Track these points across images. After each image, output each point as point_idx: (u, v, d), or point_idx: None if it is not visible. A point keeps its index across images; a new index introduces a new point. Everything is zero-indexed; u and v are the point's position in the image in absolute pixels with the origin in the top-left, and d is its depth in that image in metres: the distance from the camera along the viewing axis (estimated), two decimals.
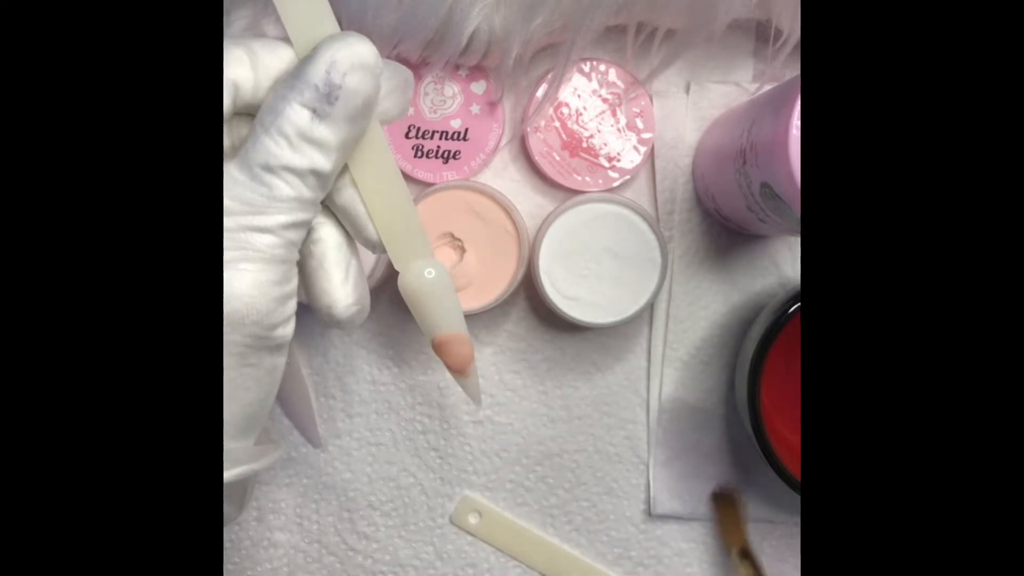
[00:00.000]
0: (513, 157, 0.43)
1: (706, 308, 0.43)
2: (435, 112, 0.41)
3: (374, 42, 0.25)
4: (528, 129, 0.41)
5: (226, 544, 0.44)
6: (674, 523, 0.44)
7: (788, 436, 0.40)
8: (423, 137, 0.41)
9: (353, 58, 0.25)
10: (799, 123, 0.29)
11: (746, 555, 0.41)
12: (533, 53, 0.40)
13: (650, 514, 0.44)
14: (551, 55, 0.41)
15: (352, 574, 0.44)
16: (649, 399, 0.44)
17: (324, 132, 0.25)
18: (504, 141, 0.42)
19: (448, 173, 0.41)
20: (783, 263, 0.43)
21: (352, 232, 0.28)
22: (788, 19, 0.38)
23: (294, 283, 0.26)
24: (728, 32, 0.39)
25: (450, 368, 0.30)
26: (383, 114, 0.27)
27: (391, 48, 0.38)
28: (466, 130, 0.41)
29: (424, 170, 0.41)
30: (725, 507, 0.43)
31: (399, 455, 0.44)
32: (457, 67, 0.41)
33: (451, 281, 0.30)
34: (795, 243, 0.43)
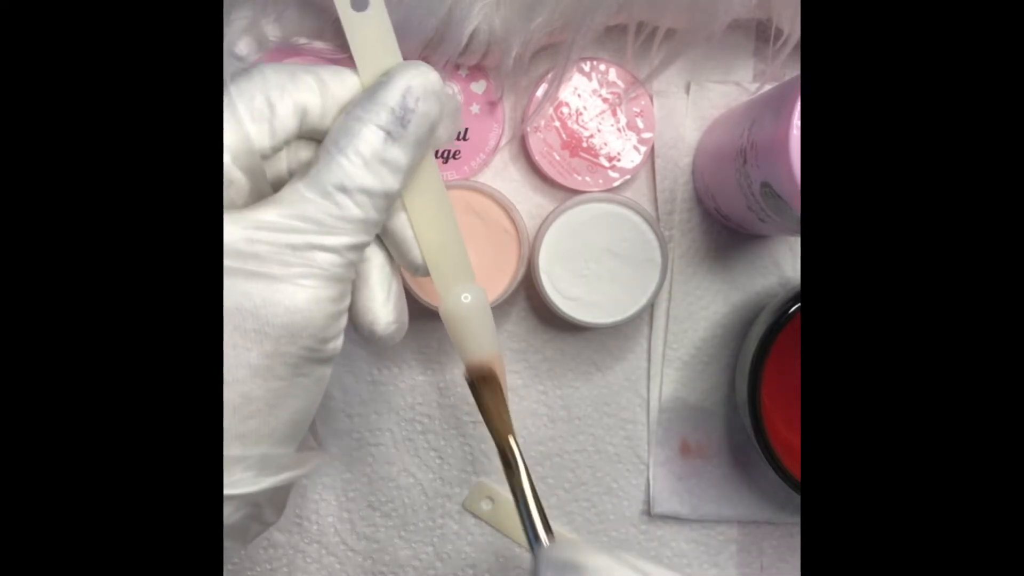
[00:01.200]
0: (513, 157, 0.43)
1: (706, 308, 0.43)
2: None
3: None
4: (528, 129, 0.41)
5: (226, 544, 0.44)
6: (674, 523, 0.44)
7: (788, 436, 0.40)
8: None
9: (427, 85, 0.26)
10: (799, 123, 0.29)
11: (509, 454, 0.32)
12: (533, 53, 0.40)
13: (650, 514, 0.44)
14: (551, 55, 0.41)
15: (352, 574, 0.44)
16: (649, 399, 0.44)
17: (397, 154, 0.26)
18: (504, 141, 0.42)
19: (448, 173, 0.41)
20: (783, 263, 0.43)
21: (396, 255, 0.29)
22: (788, 19, 0.38)
23: (347, 301, 0.27)
24: (728, 32, 0.39)
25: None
26: (436, 141, 0.28)
27: None
28: (466, 130, 0.41)
29: None
30: (486, 389, 0.32)
31: (399, 455, 0.44)
32: (457, 67, 0.41)
33: (487, 304, 0.30)
34: (795, 243, 0.43)
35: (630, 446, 0.44)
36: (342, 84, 0.27)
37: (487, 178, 0.43)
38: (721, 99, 0.42)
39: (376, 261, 0.29)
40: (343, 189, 0.25)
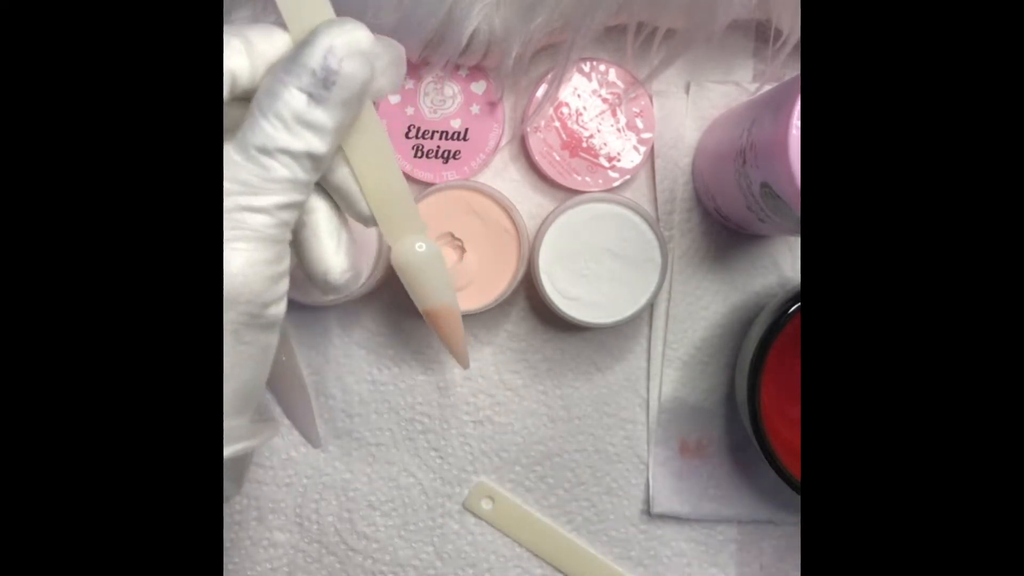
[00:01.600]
0: (513, 157, 0.43)
1: (706, 308, 0.43)
2: (435, 112, 0.41)
3: None
4: (528, 129, 0.41)
5: (226, 544, 0.44)
6: (674, 523, 0.44)
7: (788, 436, 0.40)
8: (423, 137, 0.41)
9: (350, 44, 0.25)
10: (799, 123, 0.29)
11: None
12: (533, 53, 0.40)
13: (649, 514, 0.44)
14: (551, 55, 0.41)
15: (352, 574, 0.44)
16: (649, 399, 0.44)
17: (320, 116, 0.25)
18: (504, 141, 0.42)
19: (448, 173, 0.41)
20: (783, 263, 0.43)
21: (344, 208, 0.29)
22: (788, 19, 0.38)
23: (287, 263, 0.27)
24: (728, 32, 0.39)
25: (441, 338, 0.32)
26: (377, 92, 0.27)
27: None
28: (466, 130, 0.41)
29: (424, 170, 0.41)
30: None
31: (399, 455, 0.44)
32: (457, 67, 0.41)
33: (442, 255, 0.31)
34: (795, 243, 0.43)
35: (630, 446, 0.44)
36: (271, 43, 0.26)
37: (487, 178, 0.43)
38: (721, 99, 0.42)
39: (322, 211, 0.29)
40: (266, 151, 0.25)
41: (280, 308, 0.27)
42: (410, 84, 0.41)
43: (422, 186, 0.42)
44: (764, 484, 0.43)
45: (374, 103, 0.28)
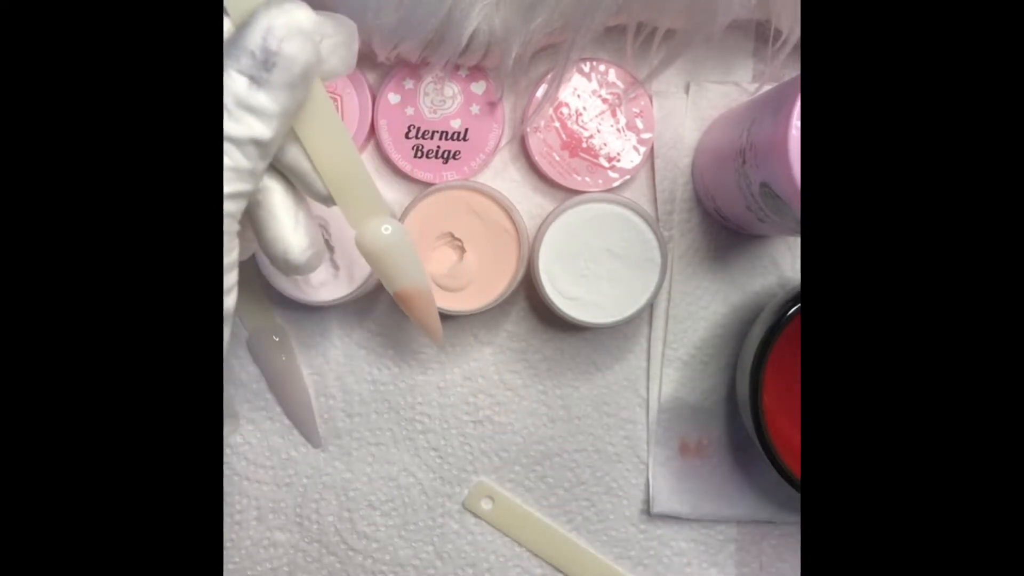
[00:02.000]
0: (513, 157, 0.43)
1: (706, 308, 0.43)
2: (435, 112, 0.41)
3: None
4: (528, 129, 0.41)
5: (226, 544, 0.44)
6: (674, 523, 0.44)
7: (790, 436, 0.40)
8: (423, 137, 0.41)
9: (290, 24, 0.24)
10: (799, 123, 0.29)
11: None
12: (533, 53, 0.40)
13: (649, 513, 0.44)
14: (551, 55, 0.41)
15: (352, 574, 0.44)
16: (649, 399, 0.44)
17: (262, 99, 0.24)
18: (504, 141, 0.42)
19: (448, 173, 0.41)
20: (783, 263, 0.43)
21: (302, 188, 0.28)
22: (788, 19, 0.38)
23: (234, 255, 0.26)
24: (728, 32, 0.39)
25: (415, 320, 0.32)
26: (328, 73, 0.27)
27: (391, 48, 0.38)
28: (466, 130, 0.41)
29: (424, 170, 0.41)
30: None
31: (399, 455, 0.44)
32: (457, 67, 0.41)
33: (409, 237, 0.30)
34: (795, 243, 0.43)
35: (630, 446, 0.44)
36: None
37: (487, 178, 0.43)
38: (720, 99, 0.42)
39: (277, 190, 0.28)
40: None
41: (230, 301, 0.26)
42: (410, 84, 0.41)
43: (422, 186, 0.42)
44: (764, 484, 0.43)
45: (326, 85, 0.27)
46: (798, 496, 0.41)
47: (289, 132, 0.27)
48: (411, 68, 0.41)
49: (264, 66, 0.24)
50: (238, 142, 0.25)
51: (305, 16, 0.25)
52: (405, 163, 0.41)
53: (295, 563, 0.44)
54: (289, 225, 0.28)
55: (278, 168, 0.28)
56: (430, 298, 0.32)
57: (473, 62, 0.40)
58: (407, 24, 0.37)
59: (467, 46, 0.38)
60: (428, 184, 0.41)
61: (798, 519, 0.43)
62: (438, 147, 0.41)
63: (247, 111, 0.24)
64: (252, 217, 0.28)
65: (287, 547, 0.44)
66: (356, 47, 0.27)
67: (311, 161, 0.27)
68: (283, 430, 0.44)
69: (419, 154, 0.41)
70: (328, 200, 0.29)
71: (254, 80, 0.24)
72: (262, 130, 0.25)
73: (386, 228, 0.29)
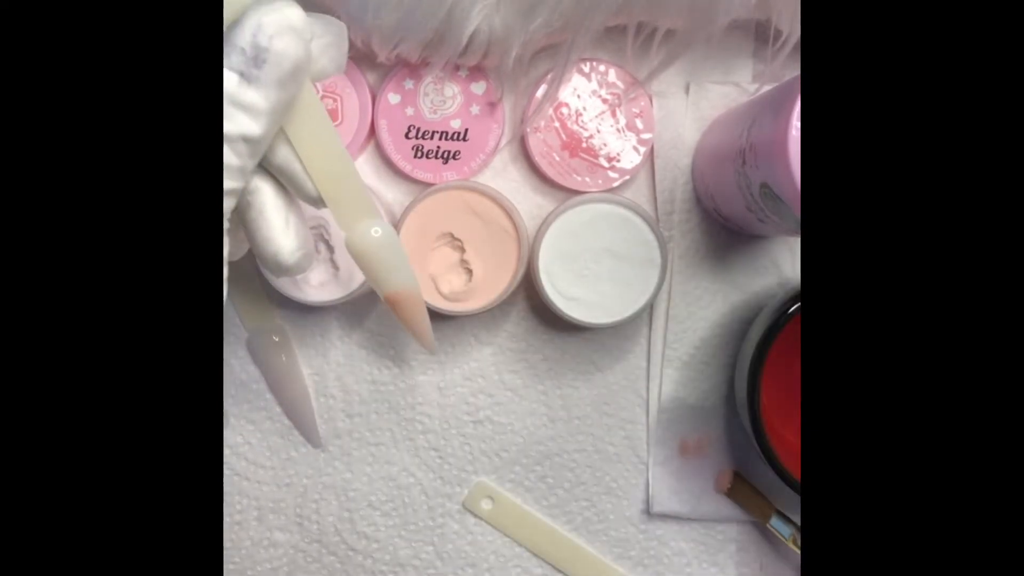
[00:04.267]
0: (513, 157, 0.43)
1: (706, 308, 0.43)
2: (435, 112, 0.41)
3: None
4: (528, 129, 0.41)
5: (226, 544, 0.44)
6: (674, 523, 0.44)
7: (788, 436, 0.40)
8: (423, 137, 0.41)
9: (280, 21, 0.24)
10: (799, 123, 0.29)
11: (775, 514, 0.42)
12: (533, 53, 0.40)
13: (649, 514, 0.44)
14: (551, 55, 0.41)
15: (352, 574, 0.44)
16: (649, 399, 0.44)
17: (253, 96, 0.24)
18: (504, 141, 0.42)
19: (448, 173, 0.41)
20: (783, 263, 0.43)
21: (292, 190, 0.28)
22: (788, 19, 0.38)
23: (224, 252, 0.26)
24: (728, 32, 0.39)
25: (404, 324, 0.31)
26: (318, 73, 0.27)
27: (391, 48, 0.38)
28: (466, 130, 0.41)
29: (424, 170, 0.41)
30: (741, 491, 0.43)
31: (399, 455, 0.44)
32: (457, 67, 0.41)
33: (398, 239, 0.30)
34: (795, 243, 0.43)
35: (630, 446, 0.44)
36: None
37: (487, 179, 0.43)
38: (720, 100, 0.42)
39: (267, 191, 0.28)
40: None
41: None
42: (410, 84, 0.41)
43: (422, 186, 0.42)
44: (764, 484, 0.43)
45: (316, 85, 0.27)
46: (798, 496, 0.41)
47: (279, 133, 0.27)
48: (411, 68, 0.41)
49: (254, 62, 0.24)
50: (228, 139, 0.25)
51: (295, 14, 0.25)
52: (405, 163, 0.41)
53: (295, 563, 0.44)
54: (279, 226, 0.28)
55: (268, 169, 0.28)
56: (419, 301, 0.32)
57: (473, 62, 0.40)
58: (407, 24, 0.37)
59: (467, 46, 0.38)
60: (428, 184, 0.41)
61: (798, 519, 0.43)
62: (438, 147, 0.41)
63: (237, 108, 0.24)
64: (243, 218, 0.28)
65: (287, 547, 0.44)
66: (346, 48, 0.27)
67: (301, 162, 0.27)
68: (283, 430, 0.44)
69: (419, 154, 0.41)
70: (318, 202, 0.29)
71: (244, 76, 0.24)
72: (252, 127, 0.25)
73: (376, 230, 0.29)
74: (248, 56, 0.24)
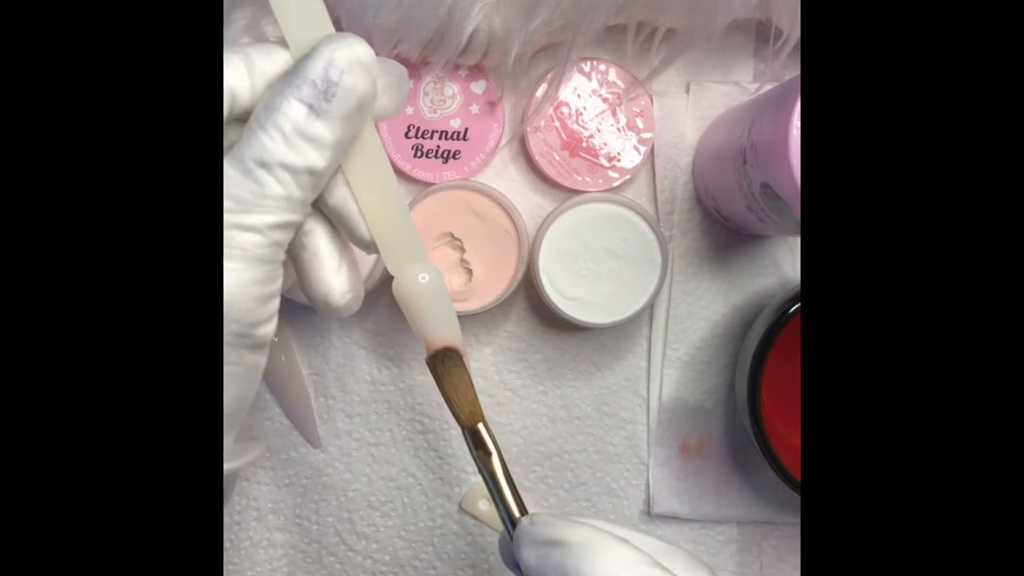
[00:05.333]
0: (513, 157, 0.43)
1: (706, 308, 0.43)
2: (435, 112, 0.41)
3: (374, 42, 0.25)
4: (528, 129, 0.41)
5: (226, 544, 0.44)
6: (674, 523, 0.44)
7: (788, 436, 0.40)
8: (423, 137, 0.41)
9: (351, 56, 0.25)
10: (799, 123, 0.29)
11: (479, 437, 0.31)
12: (533, 53, 0.40)
13: (649, 514, 0.44)
14: (551, 55, 0.41)
15: (352, 574, 0.44)
16: (649, 399, 0.44)
17: (320, 129, 0.25)
18: (504, 141, 0.42)
19: (448, 173, 0.41)
20: (783, 263, 0.43)
21: (345, 232, 0.29)
22: (788, 19, 0.38)
23: (278, 284, 0.26)
24: (728, 32, 0.39)
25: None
26: (378, 112, 0.27)
27: (391, 48, 0.38)
28: (466, 130, 0.41)
29: (424, 170, 0.41)
30: (450, 373, 0.31)
31: (399, 455, 0.44)
32: (457, 67, 0.41)
33: (445, 285, 0.30)
34: (795, 243, 0.43)
35: (630, 446, 0.44)
36: (271, 61, 0.26)
37: (487, 178, 0.43)
38: (721, 99, 0.42)
39: (322, 232, 0.28)
40: (263, 165, 0.24)
41: (269, 328, 0.27)
42: (410, 84, 0.41)
43: (422, 186, 0.42)
44: (764, 484, 0.43)
45: (376, 125, 0.27)
46: (798, 496, 0.41)
47: (337, 173, 0.27)
48: (411, 67, 0.41)
49: (324, 96, 0.25)
50: (294, 170, 0.25)
51: (365, 51, 0.25)
52: (405, 163, 0.41)
53: (295, 563, 0.44)
54: (332, 269, 0.28)
55: (323, 210, 0.28)
56: (461, 352, 0.31)
57: (473, 62, 0.40)
58: (407, 24, 0.37)
59: (467, 46, 0.38)
60: (428, 184, 0.41)
61: (798, 519, 0.43)
62: (438, 147, 0.41)
63: (305, 140, 0.25)
64: (295, 258, 0.28)
65: (287, 547, 0.44)
66: (406, 90, 0.28)
67: (358, 204, 0.28)
68: (283, 430, 0.44)
69: (419, 154, 0.41)
70: (370, 247, 0.29)
71: (313, 109, 0.25)
72: (317, 160, 0.25)
73: (423, 277, 0.29)
74: (319, 89, 0.24)
